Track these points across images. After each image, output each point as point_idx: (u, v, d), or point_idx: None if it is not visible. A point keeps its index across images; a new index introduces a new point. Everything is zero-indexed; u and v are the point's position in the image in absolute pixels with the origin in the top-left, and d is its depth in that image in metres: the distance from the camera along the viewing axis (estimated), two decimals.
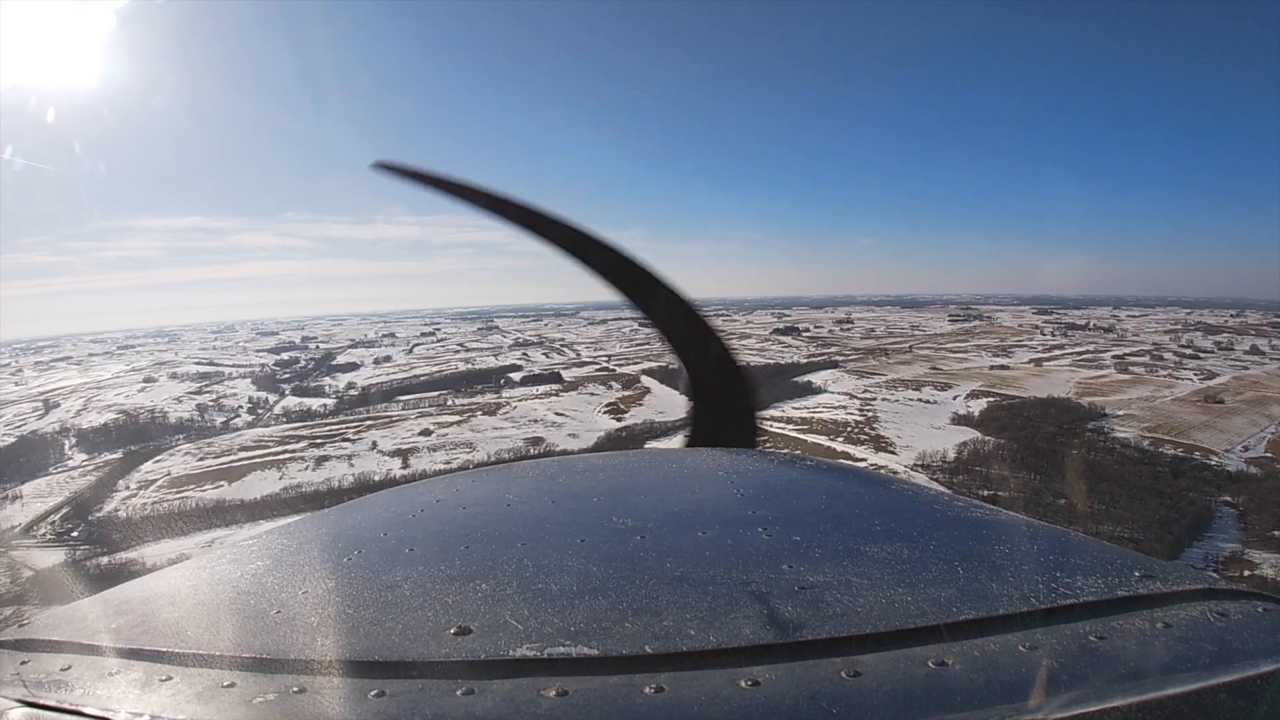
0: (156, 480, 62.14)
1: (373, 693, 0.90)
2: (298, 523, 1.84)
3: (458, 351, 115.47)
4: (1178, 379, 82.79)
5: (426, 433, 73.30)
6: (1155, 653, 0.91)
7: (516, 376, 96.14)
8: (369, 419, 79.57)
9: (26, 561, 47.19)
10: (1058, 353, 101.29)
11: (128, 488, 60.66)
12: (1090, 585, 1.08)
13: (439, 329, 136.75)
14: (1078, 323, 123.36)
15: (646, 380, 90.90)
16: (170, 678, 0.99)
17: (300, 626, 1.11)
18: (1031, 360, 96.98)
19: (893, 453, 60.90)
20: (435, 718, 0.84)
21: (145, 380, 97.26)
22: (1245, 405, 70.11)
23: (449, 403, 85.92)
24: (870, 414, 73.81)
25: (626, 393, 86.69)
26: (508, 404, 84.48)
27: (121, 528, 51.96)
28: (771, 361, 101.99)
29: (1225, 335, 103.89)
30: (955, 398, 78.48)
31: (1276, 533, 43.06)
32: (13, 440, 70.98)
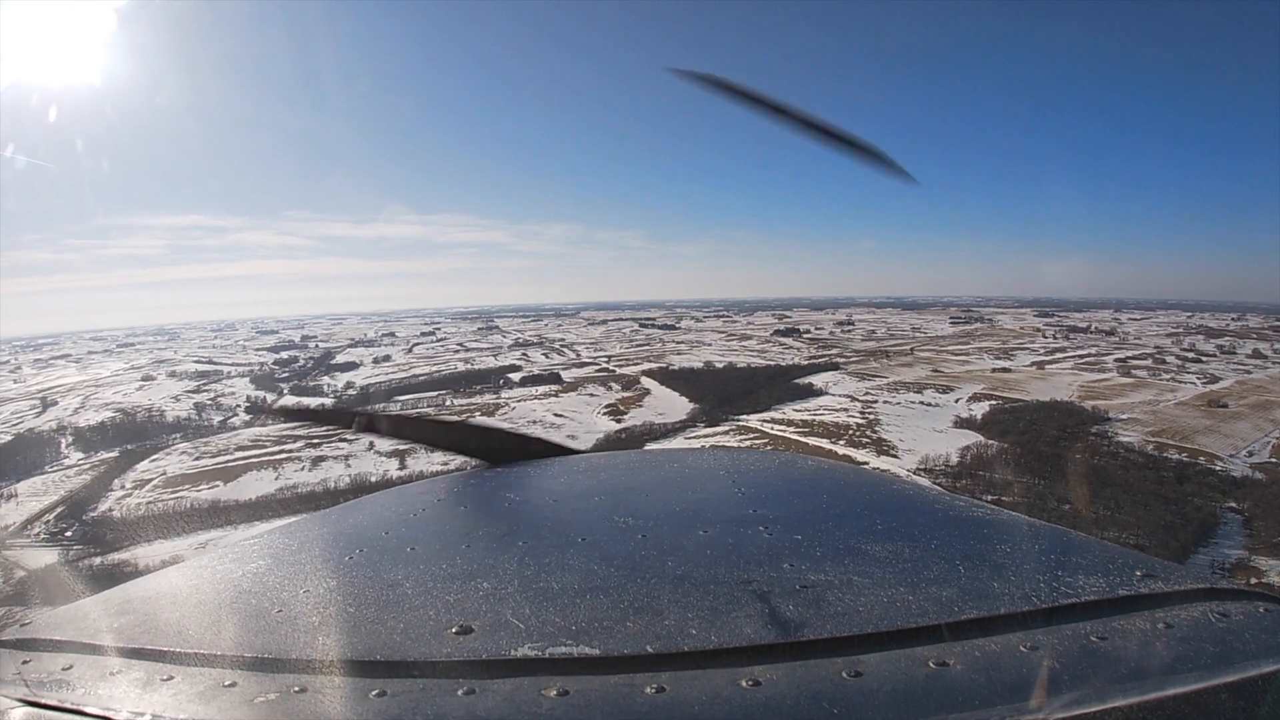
0: (152, 480, 61.74)
1: (374, 692, 0.90)
2: (299, 522, 1.86)
3: (457, 351, 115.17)
4: (1180, 383, 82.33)
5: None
6: (1156, 653, 0.91)
7: (516, 377, 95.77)
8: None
9: (20, 561, 46.72)
10: (1059, 355, 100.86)
11: (123, 487, 60.27)
12: (1091, 585, 1.08)
13: (439, 328, 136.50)
14: (1079, 325, 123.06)
15: (646, 381, 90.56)
16: (172, 677, 0.99)
17: (301, 626, 1.11)
18: (1033, 363, 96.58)
19: (895, 456, 60.38)
20: (436, 717, 0.84)
21: (144, 378, 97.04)
22: (1249, 409, 69.64)
23: (447, 403, 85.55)
24: (872, 416, 73.34)
25: (626, 394, 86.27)
26: (506, 405, 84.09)
27: (115, 528, 51.56)
28: (772, 363, 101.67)
29: (1227, 339, 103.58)
30: (957, 400, 77.99)
31: None
32: (9, 438, 70.69)
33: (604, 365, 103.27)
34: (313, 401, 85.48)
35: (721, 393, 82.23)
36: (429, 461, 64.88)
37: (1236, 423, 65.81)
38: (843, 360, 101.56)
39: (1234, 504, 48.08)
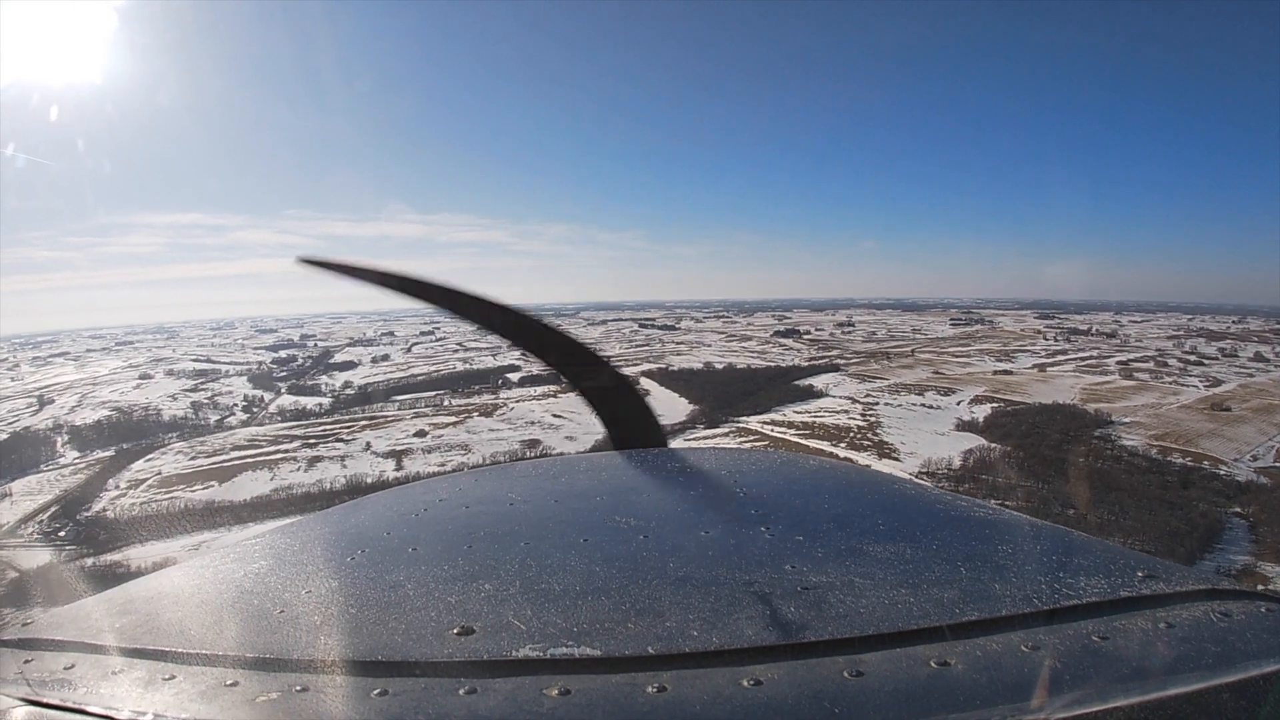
0: (147, 480, 61.32)
1: (375, 692, 0.90)
2: (300, 522, 1.87)
3: (456, 351, 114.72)
4: (1183, 386, 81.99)
5: (421, 434, 72.49)
6: (1158, 653, 0.91)
7: (514, 377, 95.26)
8: (364, 419, 78.76)
9: (12, 562, 46.31)
10: (1061, 358, 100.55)
11: (117, 487, 59.89)
12: (1093, 585, 1.08)
13: (438, 328, 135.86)
14: (1080, 327, 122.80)
15: (646, 382, 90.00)
16: (173, 677, 1.00)
17: (303, 626, 1.12)
18: (1035, 365, 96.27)
19: (896, 459, 59.92)
20: (438, 717, 0.84)
21: (141, 377, 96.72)
22: (1252, 413, 69.26)
23: (445, 403, 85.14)
24: (873, 419, 72.93)
25: None
26: (505, 405, 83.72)
27: (109, 528, 51.14)
28: (772, 364, 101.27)
29: (1228, 341, 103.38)
30: (959, 403, 77.60)
31: None
32: (5, 436, 70.47)
33: None
34: (311, 400, 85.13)
35: (721, 394, 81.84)
36: (425, 463, 64.72)
37: (1240, 426, 65.42)
38: (843, 362, 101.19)
39: (1239, 509, 47.73)
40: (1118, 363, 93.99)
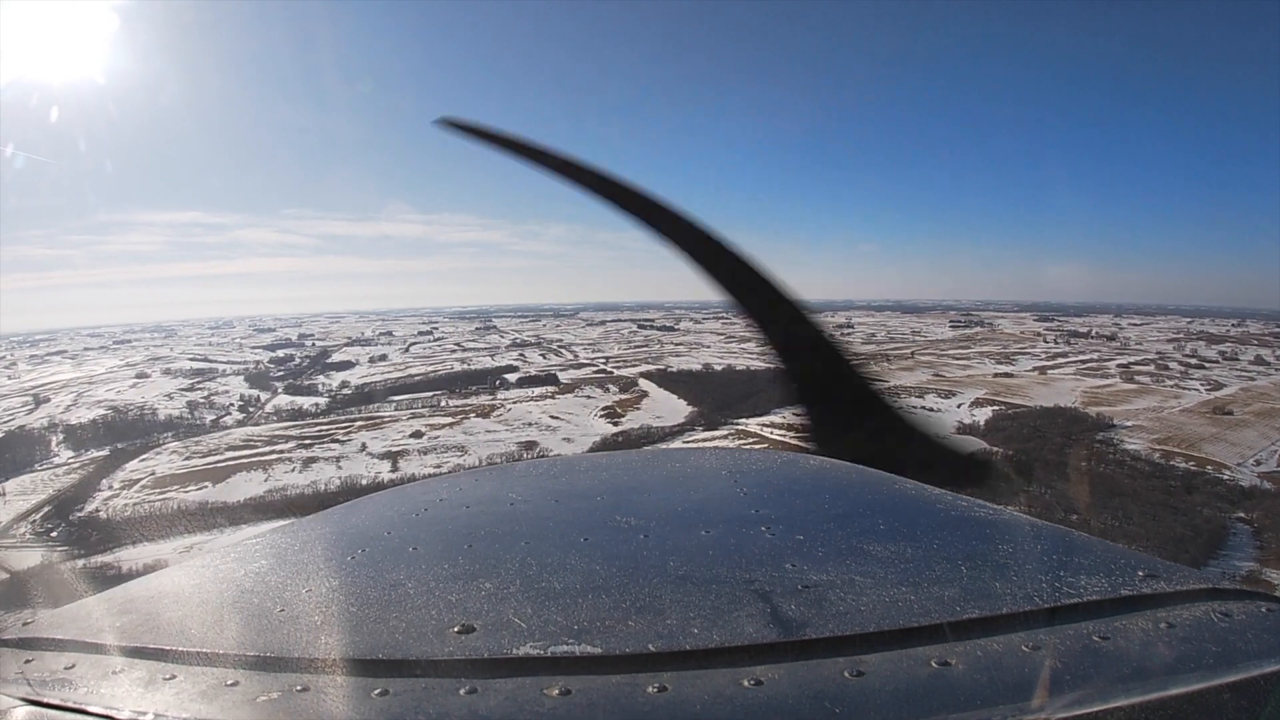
0: (140, 480, 60.88)
1: (376, 691, 0.90)
2: (301, 522, 1.87)
3: (454, 351, 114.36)
4: (1184, 389, 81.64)
5: (418, 435, 72.06)
6: (1158, 653, 0.91)
7: (512, 378, 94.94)
8: (360, 419, 78.32)
9: (4, 563, 45.89)
10: (1061, 360, 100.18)
11: (110, 487, 59.47)
12: (1093, 585, 1.08)
13: (437, 328, 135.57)
14: (1080, 330, 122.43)
15: (644, 383, 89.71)
16: (174, 676, 1.00)
17: (304, 625, 1.12)
18: (1035, 368, 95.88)
19: None
20: (439, 716, 0.84)
21: (138, 376, 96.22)
22: (1255, 417, 68.90)
23: (442, 404, 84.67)
24: None
25: (624, 396, 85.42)
26: (502, 406, 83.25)
27: (101, 529, 50.72)
28: (772, 366, 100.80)
29: (1228, 345, 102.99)
30: (959, 405, 77.18)
31: None
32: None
33: (601, 367, 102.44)
34: (307, 400, 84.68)
35: (720, 396, 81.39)
36: (421, 464, 64.28)
37: (1242, 430, 65.05)
38: None
39: (1242, 514, 47.38)
40: (1118, 365, 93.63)
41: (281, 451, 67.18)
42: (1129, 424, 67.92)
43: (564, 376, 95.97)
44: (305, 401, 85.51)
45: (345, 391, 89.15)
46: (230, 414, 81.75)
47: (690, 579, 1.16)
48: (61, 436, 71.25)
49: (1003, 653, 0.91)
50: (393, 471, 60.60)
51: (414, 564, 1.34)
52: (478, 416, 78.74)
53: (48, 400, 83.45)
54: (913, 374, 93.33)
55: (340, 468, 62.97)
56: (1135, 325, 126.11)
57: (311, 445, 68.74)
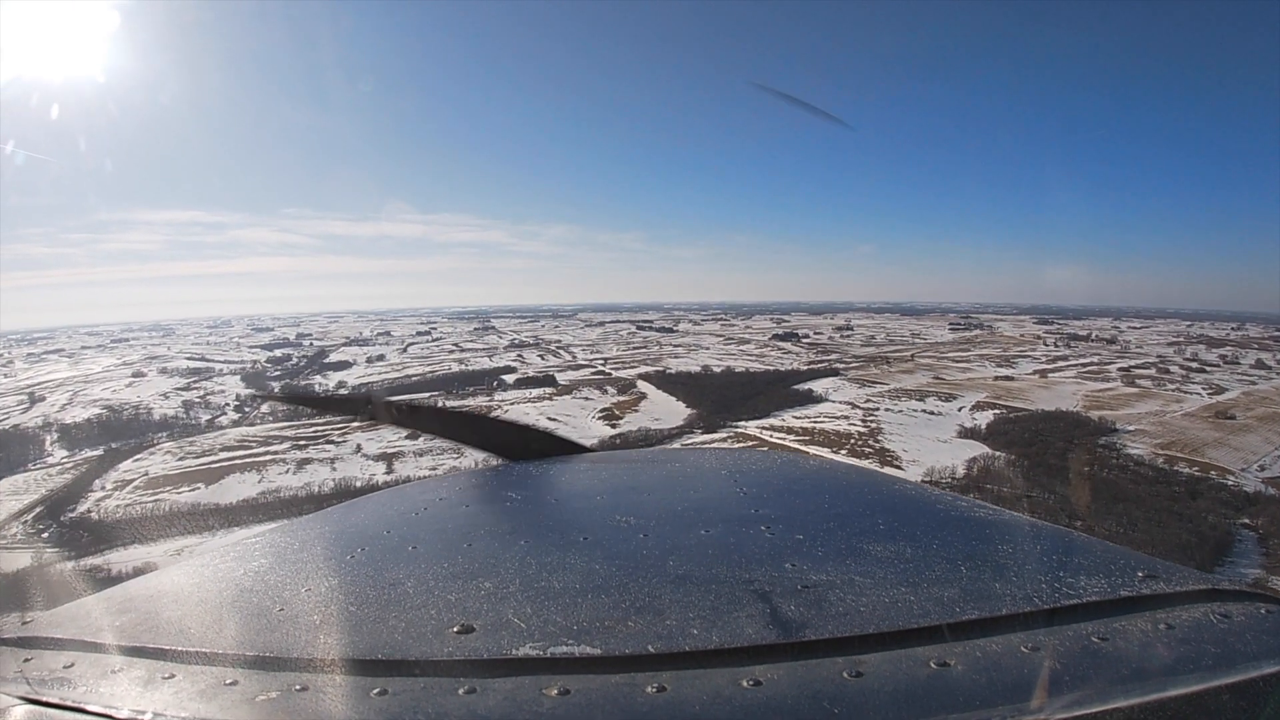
0: (133, 480, 60.25)
1: (375, 691, 0.90)
2: (300, 521, 1.87)
3: (452, 352, 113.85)
4: (1186, 393, 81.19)
5: (414, 436, 71.42)
6: (1158, 654, 0.91)
7: (510, 379, 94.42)
8: (356, 420, 77.63)
9: None
10: (1062, 363, 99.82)
11: (103, 487, 58.85)
12: (1093, 585, 1.08)
13: (435, 328, 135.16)
14: (1079, 333, 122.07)
15: (643, 385, 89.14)
16: (173, 675, 1.00)
17: (303, 625, 1.12)
18: (1036, 371, 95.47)
19: (899, 467, 58.85)
20: (438, 716, 0.84)
21: (134, 375, 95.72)
22: (1258, 422, 68.43)
23: (439, 404, 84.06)
24: (874, 425, 71.95)
25: (622, 398, 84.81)
26: (499, 407, 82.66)
27: (92, 530, 50.15)
28: (770, 368, 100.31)
29: (1228, 348, 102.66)
30: (960, 409, 76.68)
31: None
32: None
33: (600, 368, 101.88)
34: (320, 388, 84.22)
35: (719, 398, 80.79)
36: (417, 466, 63.67)
37: (1246, 435, 64.57)
38: (842, 366, 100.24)
39: (1248, 520, 46.81)
40: (1119, 369, 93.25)
41: (276, 453, 66.64)
42: (1131, 428, 67.41)
43: (562, 378, 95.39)
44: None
45: (342, 392, 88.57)
46: (226, 414, 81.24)
47: (690, 579, 1.16)
48: (56, 436, 70.77)
49: (1002, 653, 0.91)
50: (388, 473, 60.12)
51: (413, 563, 1.33)
52: None
53: (43, 399, 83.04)
54: (913, 376, 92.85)
55: (335, 469, 62.44)
56: (1135, 328, 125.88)
57: (306, 446, 68.19)
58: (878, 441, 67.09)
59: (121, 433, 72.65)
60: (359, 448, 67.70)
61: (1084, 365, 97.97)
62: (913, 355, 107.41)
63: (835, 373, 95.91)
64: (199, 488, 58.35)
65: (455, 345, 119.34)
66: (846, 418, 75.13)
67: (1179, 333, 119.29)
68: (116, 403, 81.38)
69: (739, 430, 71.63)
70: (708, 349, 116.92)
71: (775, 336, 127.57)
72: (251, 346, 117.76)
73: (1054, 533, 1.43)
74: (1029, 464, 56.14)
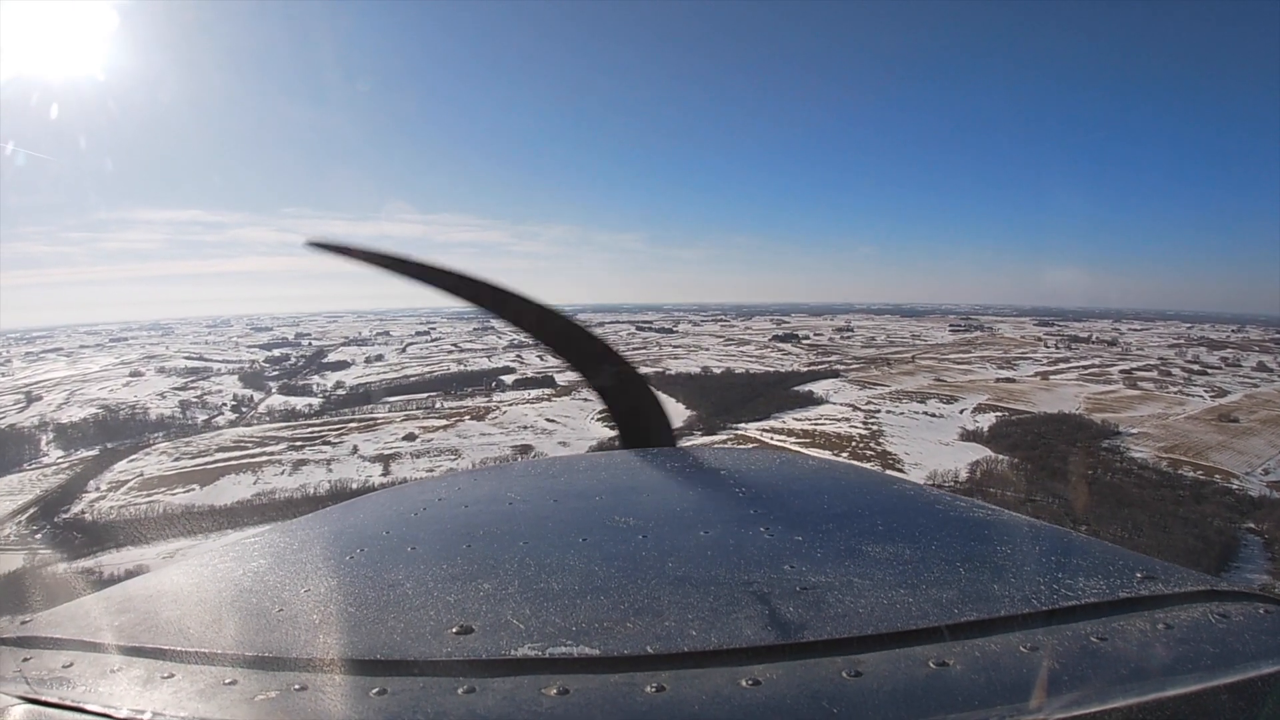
0: (128, 481, 59.82)
1: (374, 691, 0.90)
2: (299, 521, 1.87)
3: (451, 352, 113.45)
4: (1188, 396, 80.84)
5: (411, 437, 71.02)
6: (1156, 654, 0.91)
7: (508, 379, 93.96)
8: (353, 421, 77.30)
9: None
10: (1063, 366, 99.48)
11: (98, 488, 58.44)
12: (1091, 586, 1.08)
13: (434, 328, 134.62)
14: (1080, 335, 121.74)
15: None
16: (172, 675, 1.00)
17: (302, 624, 1.12)
18: (1037, 373, 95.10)
19: (901, 470, 58.52)
20: (437, 716, 0.84)
21: (132, 374, 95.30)
22: (1261, 425, 68.05)
23: (437, 406, 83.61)
24: (875, 427, 71.54)
25: None
26: (498, 408, 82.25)
27: (86, 531, 49.70)
28: (771, 369, 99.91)
29: (1230, 351, 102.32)
30: (962, 411, 76.30)
31: None
32: None
33: None
34: (301, 400, 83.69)
35: (719, 400, 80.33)
36: (414, 467, 63.22)
37: (1249, 439, 64.18)
38: (843, 367, 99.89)
39: (1253, 525, 46.51)
40: (1121, 371, 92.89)
41: (272, 454, 66.17)
42: (1134, 431, 67.06)
43: (561, 379, 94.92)
44: (299, 402, 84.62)
45: (339, 392, 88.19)
46: (223, 414, 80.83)
47: (689, 579, 1.16)
48: (51, 435, 70.40)
49: (1001, 653, 0.91)
50: (384, 475, 59.61)
51: (412, 564, 1.34)
52: (472, 419, 77.70)
53: (40, 398, 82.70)
54: (914, 378, 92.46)
55: (330, 470, 61.96)
56: (1135, 330, 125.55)
57: (303, 447, 67.74)
58: (879, 444, 66.67)
59: (118, 433, 72.23)
60: (355, 449, 67.33)
61: (1085, 367, 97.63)
62: (913, 357, 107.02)
63: (836, 374, 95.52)
64: (194, 489, 57.93)
65: (454, 345, 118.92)
66: (847, 420, 74.70)
67: (1180, 335, 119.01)
68: (113, 402, 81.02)
69: (739, 432, 71.19)
70: (707, 350, 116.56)
71: (775, 338, 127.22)
72: (250, 346, 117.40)
73: (1052, 533, 1.43)
74: (1032, 467, 55.79)
